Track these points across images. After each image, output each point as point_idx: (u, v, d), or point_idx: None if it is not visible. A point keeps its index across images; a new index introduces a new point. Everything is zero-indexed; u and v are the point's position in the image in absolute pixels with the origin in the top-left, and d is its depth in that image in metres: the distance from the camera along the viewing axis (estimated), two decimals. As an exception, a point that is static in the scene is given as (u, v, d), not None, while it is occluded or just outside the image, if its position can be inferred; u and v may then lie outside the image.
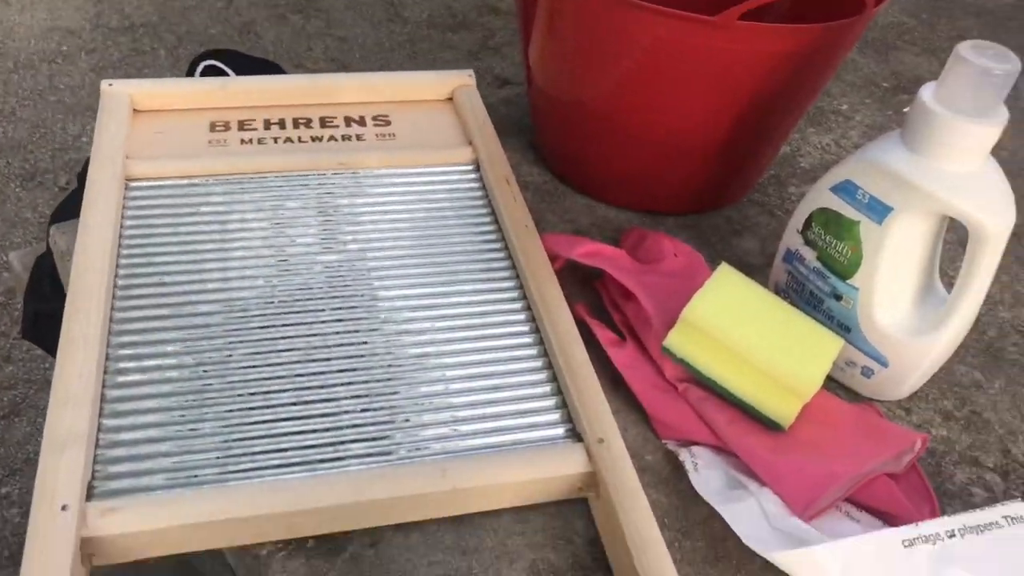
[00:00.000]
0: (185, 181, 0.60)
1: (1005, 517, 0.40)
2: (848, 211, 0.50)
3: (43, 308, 0.75)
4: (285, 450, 0.44)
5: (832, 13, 0.56)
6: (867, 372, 0.53)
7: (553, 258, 0.56)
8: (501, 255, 0.57)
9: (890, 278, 0.51)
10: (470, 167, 0.64)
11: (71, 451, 0.42)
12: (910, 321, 0.51)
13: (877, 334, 0.51)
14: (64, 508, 0.39)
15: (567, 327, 0.51)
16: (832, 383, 0.55)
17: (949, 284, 0.53)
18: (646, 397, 0.50)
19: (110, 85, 0.65)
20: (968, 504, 0.49)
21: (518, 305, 0.54)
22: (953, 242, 0.67)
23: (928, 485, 0.47)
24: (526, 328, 0.52)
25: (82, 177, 0.60)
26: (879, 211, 0.49)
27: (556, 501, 0.46)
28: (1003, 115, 0.46)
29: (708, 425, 0.49)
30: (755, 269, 0.63)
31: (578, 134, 0.66)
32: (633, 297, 0.54)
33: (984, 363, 0.58)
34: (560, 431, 0.47)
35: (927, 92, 0.48)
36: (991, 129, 0.46)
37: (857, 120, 0.83)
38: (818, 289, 0.53)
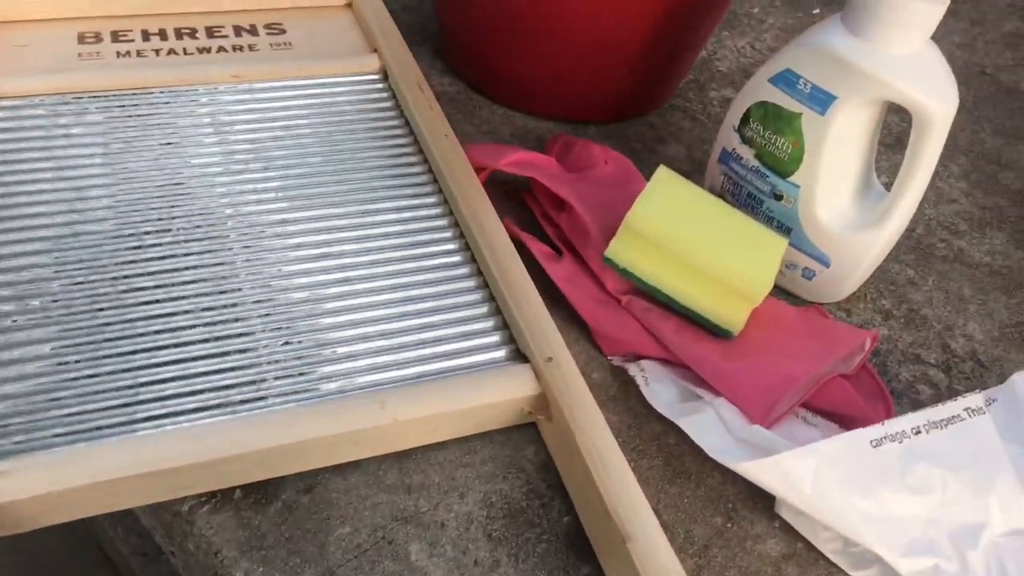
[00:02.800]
0: (57, 99, 0.52)
1: (966, 410, 0.40)
2: (789, 103, 0.48)
3: None
4: (200, 392, 0.39)
5: None
6: (808, 273, 0.51)
7: (477, 170, 0.52)
8: (421, 168, 0.53)
9: (832, 174, 0.49)
10: (377, 76, 0.59)
11: (-55, 410, 0.36)
12: (852, 218, 0.50)
13: (820, 233, 0.50)
14: (-58, 475, 0.34)
15: (501, 241, 0.47)
16: (773, 288, 0.53)
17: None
18: (588, 312, 0.48)
19: (-46, -8, 0.57)
20: (915, 402, 0.48)
21: (445, 221, 0.50)
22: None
23: (881, 384, 0.46)
24: (456, 245, 0.48)
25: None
26: (822, 101, 0.47)
27: (503, 429, 0.43)
28: None
29: (655, 337, 0.46)
30: (683, 175, 0.61)
31: (491, 39, 0.62)
32: (567, 208, 0.51)
33: (916, 260, 0.57)
34: (503, 352, 0.44)
35: None
36: (935, 6, 0.44)
37: (770, 23, 0.81)
38: (757, 190, 0.51)
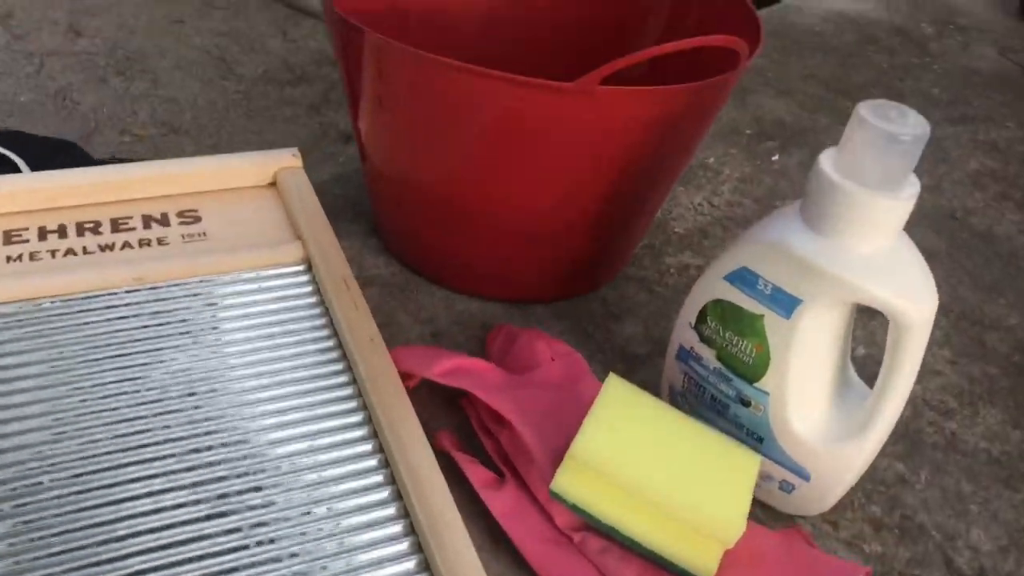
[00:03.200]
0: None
1: None
2: (748, 303, 0.43)
3: None
4: None
5: (700, 68, 0.49)
6: (786, 487, 0.45)
7: (406, 377, 0.46)
8: (343, 379, 0.47)
9: (804, 378, 0.43)
10: (301, 267, 0.53)
11: None
12: (831, 426, 0.44)
13: (795, 443, 0.44)
14: None
15: (428, 476, 0.41)
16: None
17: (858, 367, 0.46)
18: (534, 555, 0.41)
19: None
20: (921, 642, 0.41)
21: (368, 447, 0.43)
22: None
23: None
24: (380, 478, 0.42)
25: None
26: (785, 304, 0.41)
27: None
28: (915, 185, 0.40)
29: (614, 584, 0.39)
30: (642, 360, 0.55)
31: (424, 219, 0.57)
32: (508, 424, 0.45)
33: (905, 451, 0.52)
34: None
35: (827, 161, 0.40)
36: (904, 203, 0.39)
37: (727, 174, 0.77)
38: (721, 393, 0.45)
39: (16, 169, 0.71)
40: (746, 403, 0.44)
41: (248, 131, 1.30)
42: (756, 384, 0.43)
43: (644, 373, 0.54)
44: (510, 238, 0.54)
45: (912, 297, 0.40)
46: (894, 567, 0.45)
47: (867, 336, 0.59)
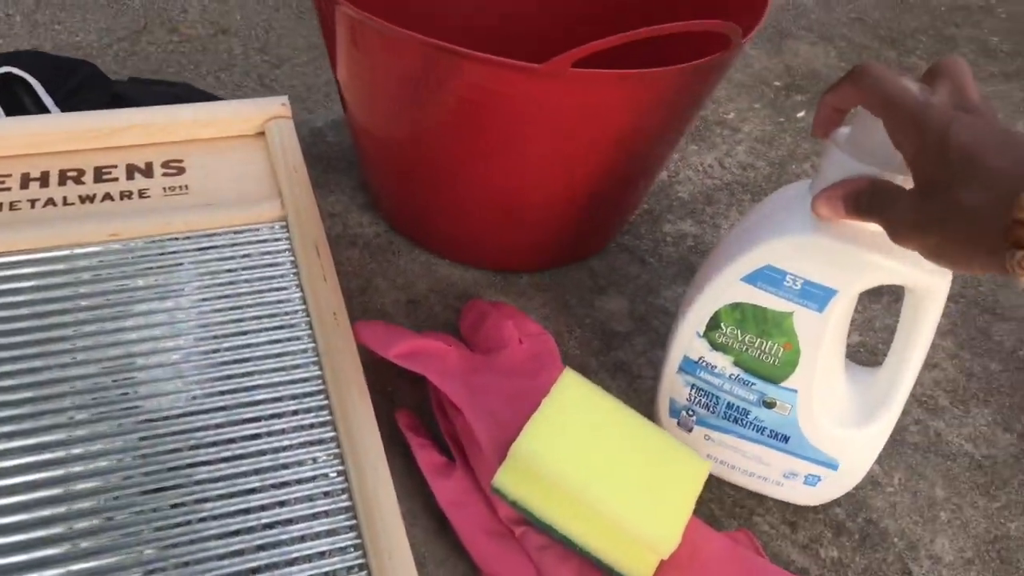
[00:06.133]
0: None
1: None
2: (774, 302, 0.41)
3: None
4: None
5: (702, 47, 0.46)
6: (812, 480, 0.44)
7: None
8: (307, 356, 0.46)
9: (830, 370, 0.42)
10: (278, 226, 0.53)
11: None
12: (852, 410, 0.43)
13: (823, 436, 0.43)
14: None
15: (374, 465, 0.41)
16: (765, 502, 0.46)
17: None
18: (476, 547, 0.41)
19: None
20: (861, 659, 0.41)
21: (326, 432, 0.43)
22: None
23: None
24: (329, 470, 0.42)
25: None
26: (818, 297, 0.40)
27: None
28: None
29: (551, 583, 0.39)
30: (621, 338, 0.54)
31: (408, 180, 0.55)
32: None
33: (884, 450, 0.50)
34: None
35: (840, 140, 0.38)
36: None
37: (745, 132, 0.74)
38: (740, 399, 0.44)
39: (31, 90, 0.71)
40: (769, 405, 0.43)
41: (296, 34, 1.28)
42: (782, 384, 0.42)
43: (622, 352, 0.53)
44: (491, 209, 0.53)
45: (931, 268, 0.37)
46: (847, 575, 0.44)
47: (863, 321, 0.57)
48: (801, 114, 0.77)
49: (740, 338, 0.42)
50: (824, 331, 0.40)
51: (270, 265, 0.51)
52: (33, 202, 0.52)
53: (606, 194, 0.53)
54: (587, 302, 0.56)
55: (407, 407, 0.47)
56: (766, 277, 0.40)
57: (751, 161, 0.70)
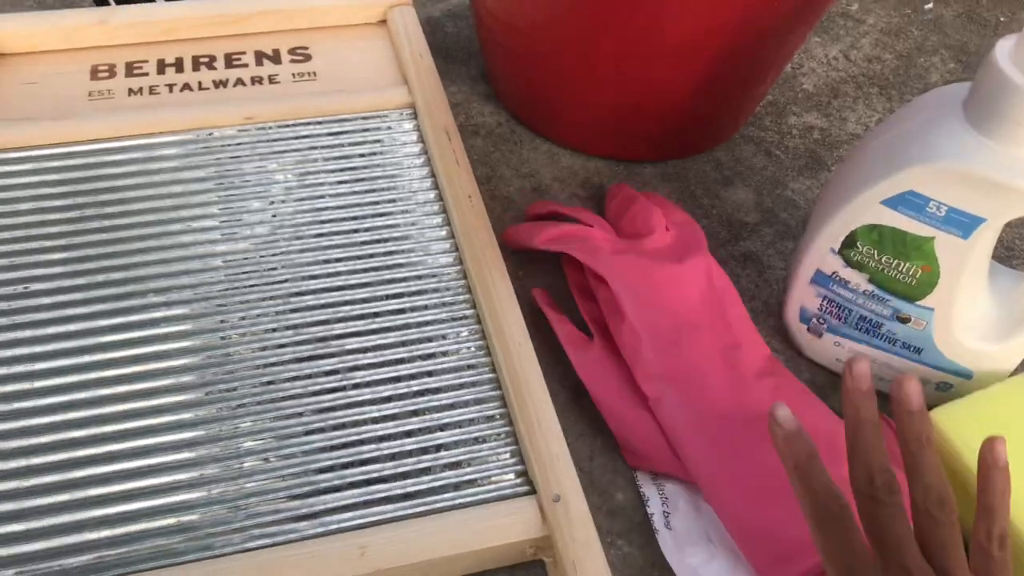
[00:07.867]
0: (59, 150, 0.49)
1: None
2: (915, 227, 0.39)
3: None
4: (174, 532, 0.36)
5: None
6: (944, 387, 0.44)
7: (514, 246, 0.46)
8: (442, 234, 0.47)
9: (972, 290, 0.41)
10: (407, 112, 0.53)
11: None
12: (992, 322, 0.42)
13: (959, 350, 0.42)
14: None
15: (517, 340, 0.41)
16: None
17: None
18: (613, 416, 0.42)
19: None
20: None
21: (468, 309, 0.44)
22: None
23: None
24: (472, 344, 0.43)
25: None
26: (964, 225, 0.38)
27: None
28: None
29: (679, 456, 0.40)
30: (748, 230, 0.53)
31: (530, 71, 0.55)
32: (606, 282, 0.44)
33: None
34: (509, 479, 0.38)
35: (1003, 54, 0.35)
36: None
37: (870, 24, 0.71)
38: (873, 313, 0.43)
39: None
40: (904, 320, 0.42)
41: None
42: (919, 302, 0.41)
43: (750, 243, 0.52)
44: (617, 95, 0.52)
45: None
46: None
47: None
48: (929, 5, 0.74)
49: (876, 257, 0.41)
50: (968, 258, 0.39)
51: (401, 150, 0.51)
52: (171, 87, 0.53)
53: (736, 78, 0.52)
54: (713, 193, 0.55)
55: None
56: (908, 203, 0.39)
57: (877, 54, 0.68)
